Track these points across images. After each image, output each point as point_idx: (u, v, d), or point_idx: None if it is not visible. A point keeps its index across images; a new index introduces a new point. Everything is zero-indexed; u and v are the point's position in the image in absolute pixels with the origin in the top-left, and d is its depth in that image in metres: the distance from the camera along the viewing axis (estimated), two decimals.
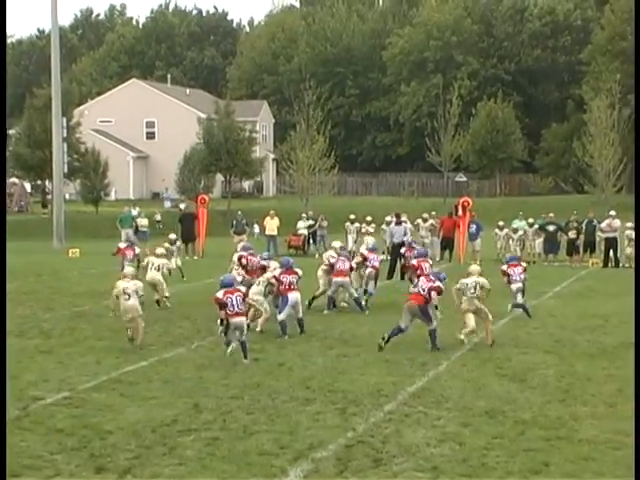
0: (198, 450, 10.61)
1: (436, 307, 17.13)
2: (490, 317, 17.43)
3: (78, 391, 13.44)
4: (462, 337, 17.20)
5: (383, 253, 29.87)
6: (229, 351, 15.89)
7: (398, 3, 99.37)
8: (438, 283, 17.06)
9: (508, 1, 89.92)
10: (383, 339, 16.61)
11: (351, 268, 21.38)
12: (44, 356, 16.12)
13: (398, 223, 31.43)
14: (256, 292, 18.73)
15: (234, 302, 15.75)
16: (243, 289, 16.65)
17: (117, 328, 19.09)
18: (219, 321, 16.06)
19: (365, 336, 18.11)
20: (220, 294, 15.84)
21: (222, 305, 15.74)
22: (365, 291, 22.13)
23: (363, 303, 21.54)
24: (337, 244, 22.87)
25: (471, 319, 17.28)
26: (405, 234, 29.88)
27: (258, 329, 18.46)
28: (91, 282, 27.24)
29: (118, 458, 10.35)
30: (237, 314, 15.77)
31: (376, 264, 22.38)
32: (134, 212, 56.13)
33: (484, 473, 9.90)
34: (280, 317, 18.20)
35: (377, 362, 15.55)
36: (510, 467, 10.04)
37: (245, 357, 15.62)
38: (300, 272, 18.91)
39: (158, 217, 41.72)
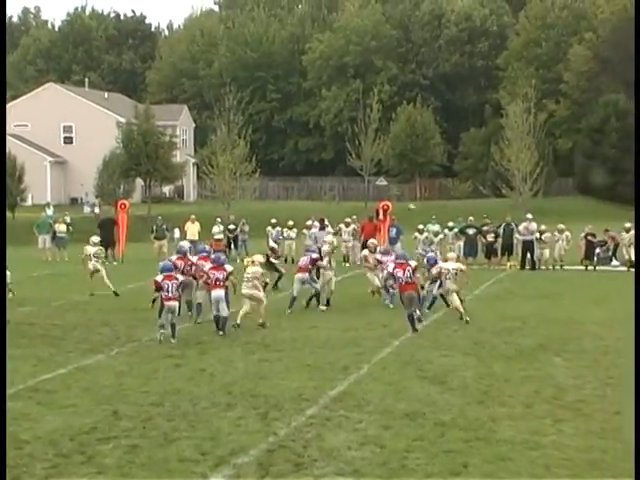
0: (117, 458, 10.50)
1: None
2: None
3: None
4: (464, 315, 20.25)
5: None
6: (160, 337, 17.83)
7: (317, 8, 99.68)
8: (414, 263, 19.92)
9: (426, 7, 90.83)
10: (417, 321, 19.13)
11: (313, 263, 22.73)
12: None
13: (322, 228, 31.64)
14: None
15: (170, 287, 18.16)
16: (180, 277, 18.80)
17: (34, 335, 18.86)
18: (152, 302, 18.80)
19: (287, 341, 18.12)
20: (159, 278, 18.30)
21: (159, 288, 18.20)
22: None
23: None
24: (329, 238, 25.56)
25: (455, 298, 20.64)
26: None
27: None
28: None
29: (35, 468, 10.19)
30: (171, 298, 18.16)
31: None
32: (49, 212, 55.44)
33: (404, 475, 9.98)
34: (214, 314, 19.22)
35: (299, 367, 15.57)
36: (430, 469, 10.14)
37: (173, 336, 17.92)
38: (230, 269, 19.41)
39: (68, 219, 41.20)
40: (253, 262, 20.37)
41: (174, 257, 21.49)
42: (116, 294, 25.40)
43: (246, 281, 19.77)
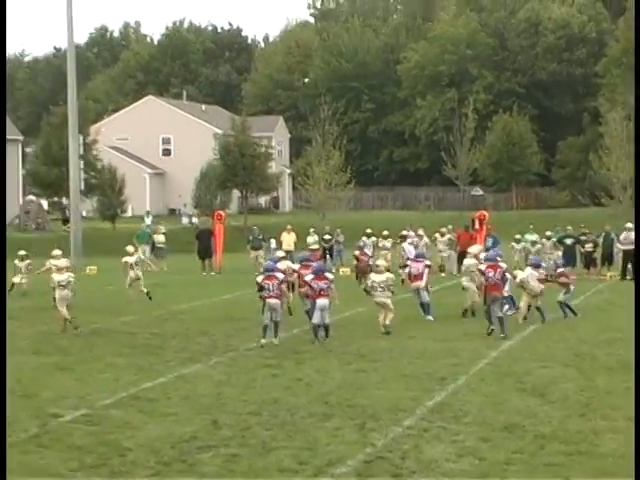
0: (217, 467, 10.60)
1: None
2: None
3: (97, 408, 13.44)
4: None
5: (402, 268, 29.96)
6: (262, 342, 18.56)
7: (412, 17, 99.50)
8: (504, 265, 20.42)
9: (522, 14, 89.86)
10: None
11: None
12: (62, 373, 16.14)
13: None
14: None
15: (271, 286, 18.95)
16: (280, 276, 19.43)
17: (135, 344, 19.17)
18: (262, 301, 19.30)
19: (383, 351, 18.08)
20: (260, 279, 19.27)
21: (261, 288, 19.08)
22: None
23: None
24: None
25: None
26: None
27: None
28: (109, 299, 27.31)
29: (137, 475, 10.34)
30: (272, 296, 18.91)
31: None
32: (147, 221, 56.42)
33: None
34: (313, 321, 19.47)
35: (395, 377, 15.51)
36: None
37: (275, 335, 18.83)
38: (331, 277, 20.07)
39: (163, 229, 41.77)
40: (377, 268, 20.90)
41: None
42: (149, 297, 26.31)
43: (380, 289, 20.12)
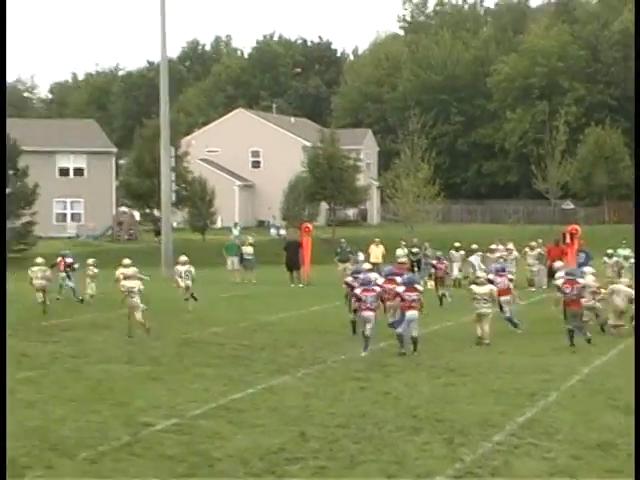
0: (305, 479, 10.61)
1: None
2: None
3: (187, 418, 13.58)
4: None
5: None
6: (363, 354, 19.11)
7: (502, 30, 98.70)
8: (582, 280, 21.07)
9: (616, 26, 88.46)
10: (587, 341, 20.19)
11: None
12: (154, 383, 16.34)
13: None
14: None
15: (367, 299, 19.60)
16: (378, 289, 20.19)
17: (224, 355, 19.32)
18: (353, 311, 20.84)
19: (472, 365, 17.92)
20: (358, 291, 19.97)
21: (358, 299, 19.86)
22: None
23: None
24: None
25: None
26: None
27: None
28: (198, 309, 27.58)
29: None
30: (367, 309, 19.61)
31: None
32: (235, 231, 56.95)
33: None
34: (398, 330, 19.65)
35: (484, 392, 15.36)
36: None
37: (365, 349, 19.29)
38: (421, 289, 20.49)
39: (251, 239, 42.01)
40: (479, 280, 21.40)
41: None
42: (194, 298, 27.78)
43: (484, 301, 20.51)
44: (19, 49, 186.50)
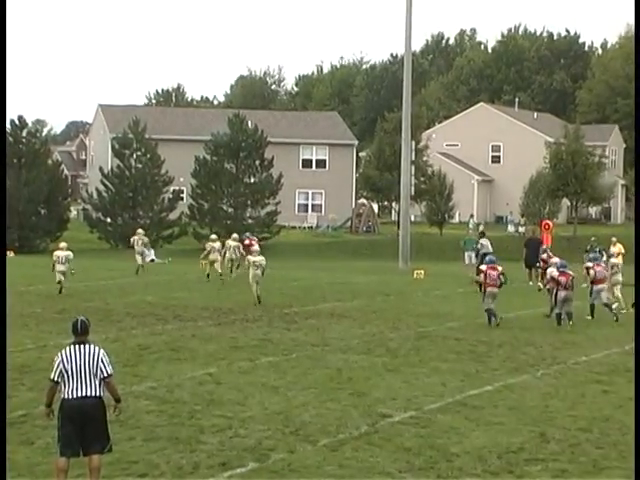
0: None
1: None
2: None
3: (424, 411, 13.62)
4: None
5: None
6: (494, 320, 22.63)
7: None
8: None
9: None
10: None
11: None
12: (391, 374, 16.48)
13: None
14: None
15: (492, 276, 22.62)
16: (500, 268, 22.85)
17: (461, 350, 19.25)
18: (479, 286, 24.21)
19: None
20: (483, 267, 23.38)
21: (484, 275, 22.91)
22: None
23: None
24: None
25: None
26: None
27: None
28: (435, 303, 27.61)
29: None
30: (492, 285, 22.64)
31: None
32: (470, 226, 56.55)
33: None
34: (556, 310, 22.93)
35: None
36: None
37: (495, 320, 22.77)
38: (572, 273, 23.01)
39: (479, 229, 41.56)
40: None
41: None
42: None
43: None
44: (268, 42, 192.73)
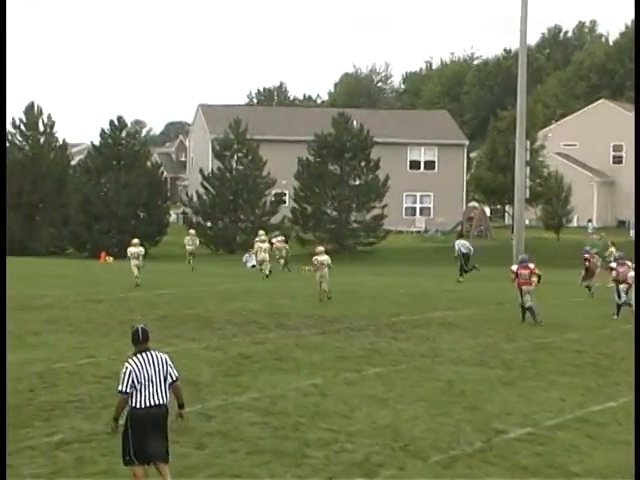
0: None
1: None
2: None
3: (542, 428, 13.43)
4: None
5: None
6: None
7: None
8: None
9: None
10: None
11: None
12: (506, 388, 16.29)
13: None
14: None
15: (524, 275, 24.43)
16: (532, 265, 24.82)
17: (581, 363, 18.94)
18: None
19: None
20: (514, 267, 25.36)
21: (515, 275, 24.83)
22: None
23: None
24: None
25: None
26: None
27: None
28: (552, 313, 27.19)
29: None
30: (525, 283, 24.46)
31: None
32: (589, 229, 55.66)
33: None
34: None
35: None
36: None
37: (533, 317, 24.34)
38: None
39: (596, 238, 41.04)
40: None
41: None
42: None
43: None
44: (374, 38, 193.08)
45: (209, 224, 59.21)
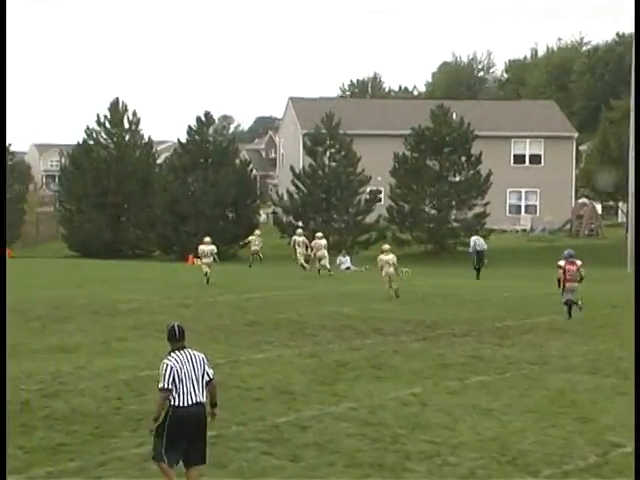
0: None
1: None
2: None
3: None
4: None
5: None
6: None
7: None
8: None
9: None
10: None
11: None
12: (621, 398, 16.04)
13: None
14: None
15: (571, 271, 25.45)
16: (579, 262, 25.71)
17: None
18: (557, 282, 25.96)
19: None
20: (562, 263, 25.73)
21: (563, 270, 25.57)
22: None
23: None
24: None
25: None
26: None
27: None
28: None
29: None
30: (570, 280, 25.39)
31: None
32: None
33: None
34: None
35: None
36: None
37: (569, 315, 25.40)
38: None
39: None
40: None
41: None
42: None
43: None
44: (475, 25, 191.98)
45: (300, 224, 59.43)
